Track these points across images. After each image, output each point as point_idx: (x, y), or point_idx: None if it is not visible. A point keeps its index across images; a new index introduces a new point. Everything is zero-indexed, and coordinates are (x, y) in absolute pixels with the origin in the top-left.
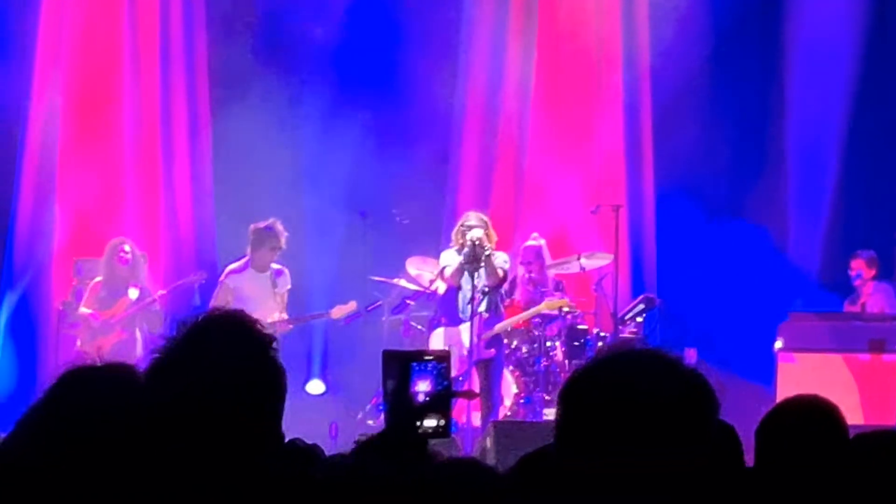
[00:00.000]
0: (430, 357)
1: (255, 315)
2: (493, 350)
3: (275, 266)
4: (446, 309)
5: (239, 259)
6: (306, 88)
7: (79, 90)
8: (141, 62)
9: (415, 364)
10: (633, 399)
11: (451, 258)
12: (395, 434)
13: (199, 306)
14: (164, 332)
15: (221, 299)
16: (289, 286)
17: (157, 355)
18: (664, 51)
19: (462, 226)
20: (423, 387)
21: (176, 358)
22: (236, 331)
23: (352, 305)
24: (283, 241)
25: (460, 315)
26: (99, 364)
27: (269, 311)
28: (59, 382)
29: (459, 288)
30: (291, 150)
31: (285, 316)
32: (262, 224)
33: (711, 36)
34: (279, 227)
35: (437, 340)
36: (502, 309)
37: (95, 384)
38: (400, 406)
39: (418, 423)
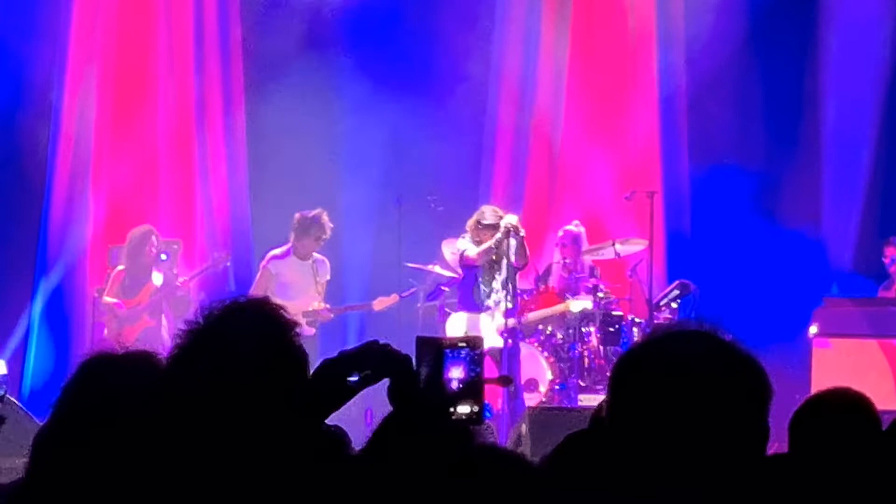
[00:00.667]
0: (464, 344)
1: (296, 302)
2: (510, 341)
3: (317, 255)
4: (464, 295)
5: (280, 245)
6: (341, 75)
7: (113, 76)
8: (175, 47)
9: (448, 351)
10: (686, 379)
11: (468, 242)
12: (429, 420)
13: (235, 291)
14: (188, 318)
15: (263, 285)
16: (328, 276)
17: (179, 341)
18: (699, 36)
19: (479, 223)
20: (456, 373)
21: (198, 344)
22: (259, 316)
23: (394, 297)
24: (328, 231)
25: (477, 303)
26: (118, 352)
27: (310, 299)
28: (78, 371)
29: (477, 279)
30: (326, 136)
31: (326, 305)
32: (309, 213)
33: (746, 21)
34: (325, 218)
35: (455, 326)
36: (518, 301)
37: (113, 371)
38: (433, 392)
39: (452, 410)
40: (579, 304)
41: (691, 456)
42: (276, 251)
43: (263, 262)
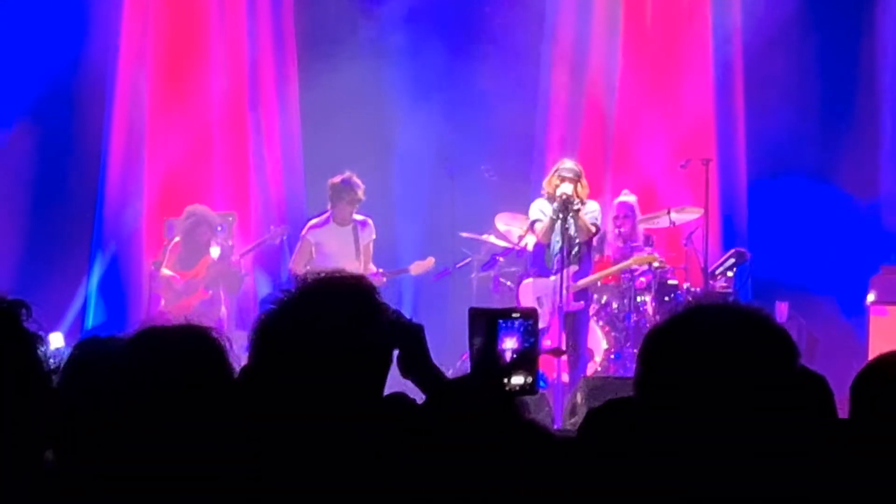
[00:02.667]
0: (517, 314)
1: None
2: (581, 303)
3: (358, 217)
4: (536, 261)
5: (321, 214)
6: (394, 45)
7: (166, 52)
8: (227, 21)
9: (501, 321)
10: (709, 353)
11: (541, 209)
12: (482, 391)
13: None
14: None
15: (305, 254)
16: (374, 236)
17: (271, 306)
18: (754, 2)
19: (556, 173)
20: (510, 344)
21: (290, 311)
22: (352, 291)
23: (430, 261)
24: (360, 192)
25: (548, 267)
26: (173, 324)
27: (353, 265)
28: (131, 341)
29: (549, 243)
30: (379, 108)
31: (373, 268)
32: (338, 178)
33: None
34: (355, 179)
35: (527, 291)
36: (591, 262)
37: (166, 344)
38: (487, 363)
39: (505, 381)
40: (645, 257)
41: (718, 426)
42: (315, 220)
43: (303, 232)
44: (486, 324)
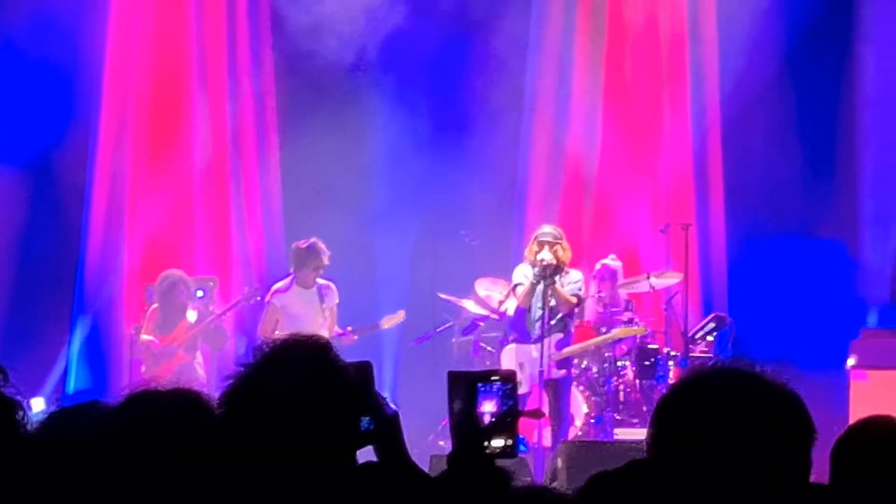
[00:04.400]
0: (496, 378)
1: (304, 332)
2: (563, 371)
3: (321, 281)
4: (517, 326)
5: (283, 278)
6: (374, 110)
7: (147, 115)
8: (209, 86)
9: (480, 384)
10: (729, 415)
11: (522, 274)
12: (462, 455)
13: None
14: (236, 355)
15: (271, 319)
16: (337, 300)
17: (231, 381)
18: (733, 66)
19: (535, 240)
20: (488, 407)
21: (252, 383)
22: (314, 356)
23: (400, 314)
24: (325, 258)
25: (530, 333)
26: (164, 388)
27: (319, 326)
28: (123, 405)
29: (529, 308)
30: (360, 171)
31: (339, 329)
32: (303, 244)
33: (780, 50)
34: (320, 245)
35: (509, 357)
36: (572, 329)
37: (161, 407)
38: (466, 427)
39: (486, 444)
40: (631, 329)
41: (734, 490)
42: (279, 284)
43: (268, 297)
44: (464, 387)
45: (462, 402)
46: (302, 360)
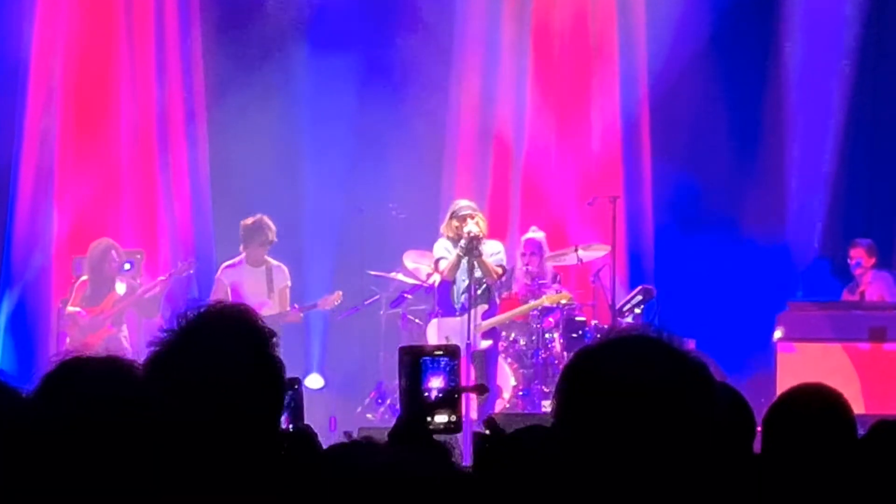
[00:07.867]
0: (441, 352)
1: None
2: (490, 342)
3: (272, 262)
4: (442, 300)
5: (233, 257)
6: (301, 83)
7: (75, 89)
8: (137, 59)
9: (427, 359)
10: (630, 385)
11: (444, 248)
12: (407, 429)
13: (197, 298)
14: (162, 323)
15: (219, 295)
16: (288, 283)
17: (155, 347)
18: (660, 41)
19: (453, 215)
20: (436, 383)
21: (175, 350)
22: (237, 323)
23: (337, 295)
24: (271, 234)
25: (455, 306)
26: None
27: (266, 305)
28: (52, 374)
29: (454, 281)
30: (288, 145)
31: (295, 305)
32: (250, 220)
33: (707, 26)
34: (267, 221)
35: (433, 331)
36: (497, 300)
37: (92, 374)
38: (410, 402)
39: (429, 419)
40: (556, 296)
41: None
42: (229, 261)
43: (217, 274)
44: (410, 363)
45: (407, 377)
46: (225, 326)
